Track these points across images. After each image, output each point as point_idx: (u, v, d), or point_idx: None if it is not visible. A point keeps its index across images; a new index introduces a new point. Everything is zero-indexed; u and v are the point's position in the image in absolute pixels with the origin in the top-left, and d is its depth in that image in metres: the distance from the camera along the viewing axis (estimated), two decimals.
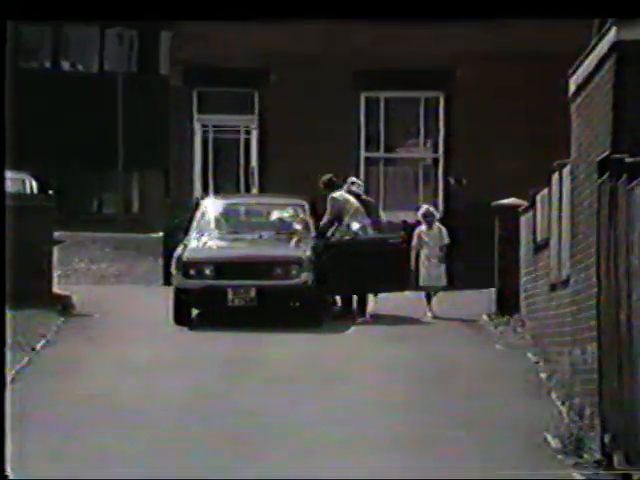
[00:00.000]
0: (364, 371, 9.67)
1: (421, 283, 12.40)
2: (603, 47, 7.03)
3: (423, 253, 12.43)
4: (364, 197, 12.97)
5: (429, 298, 12.46)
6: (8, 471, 4.29)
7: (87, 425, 7.72)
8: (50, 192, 14.72)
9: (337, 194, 12.70)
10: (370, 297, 12.43)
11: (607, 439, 6.41)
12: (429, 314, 12.37)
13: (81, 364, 9.87)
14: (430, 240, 12.46)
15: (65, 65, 23.60)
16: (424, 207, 13.07)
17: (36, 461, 5.35)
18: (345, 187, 12.92)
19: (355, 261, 12.06)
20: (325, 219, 12.57)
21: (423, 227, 12.56)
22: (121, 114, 22.46)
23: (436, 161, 16.15)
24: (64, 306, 12.58)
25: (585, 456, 6.70)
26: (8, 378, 8.22)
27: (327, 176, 13.00)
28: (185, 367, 9.76)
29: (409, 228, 13.06)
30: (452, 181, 15.85)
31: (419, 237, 12.52)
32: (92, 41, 23.05)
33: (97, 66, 23.37)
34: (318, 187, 12.91)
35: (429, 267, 12.36)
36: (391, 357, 10.25)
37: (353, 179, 13.30)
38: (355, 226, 12.44)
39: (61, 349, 10.58)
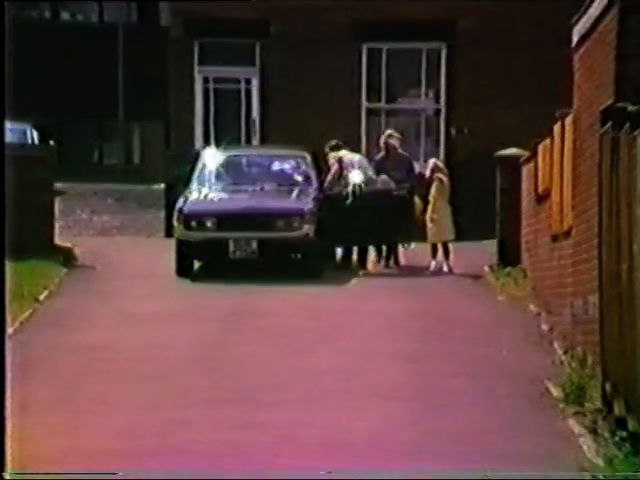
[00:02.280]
0: (365, 322, 9.71)
1: (429, 236, 12.35)
2: None
3: (431, 206, 12.38)
4: (400, 151, 12.87)
5: (435, 250, 12.44)
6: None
7: (90, 376, 7.78)
8: (51, 142, 14.66)
9: (339, 152, 12.66)
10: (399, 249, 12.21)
11: (608, 387, 6.45)
12: (433, 265, 12.36)
13: (83, 315, 9.92)
14: (438, 193, 12.41)
15: (65, 15, 23.37)
16: (432, 161, 13.02)
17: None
18: (383, 138, 12.85)
19: (356, 213, 12.06)
20: (329, 176, 12.56)
21: (437, 181, 12.46)
22: (121, 65, 22.28)
23: (438, 112, 16.07)
24: (66, 258, 12.60)
25: (586, 404, 6.75)
26: (10, 330, 8.27)
27: (333, 141, 12.98)
28: (187, 319, 9.81)
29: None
30: (454, 132, 15.78)
31: (427, 190, 12.48)
32: None
33: (97, 16, 23.14)
34: (324, 150, 12.88)
35: (437, 220, 12.32)
36: (392, 308, 10.28)
37: (390, 131, 13.17)
38: (357, 178, 12.41)
39: (64, 301, 10.62)
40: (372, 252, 12.58)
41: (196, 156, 13.47)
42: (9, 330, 7.85)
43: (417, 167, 13.00)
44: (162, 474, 5.59)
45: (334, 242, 12.45)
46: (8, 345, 4.72)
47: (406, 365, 8.15)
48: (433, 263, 12.39)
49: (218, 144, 14.96)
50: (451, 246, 12.46)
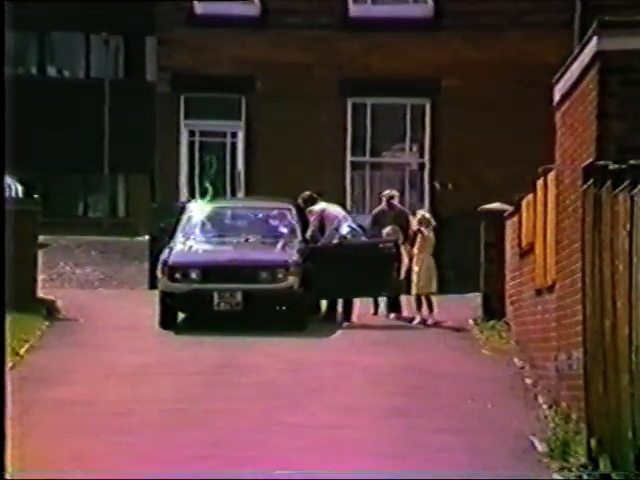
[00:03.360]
0: (349, 377, 9.68)
1: (412, 288, 12.41)
2: (586, 57, 7.09)
3: (416, 258, 12.44)
4: (399, 207, 13.11)
5: (419, 303, 12.48)
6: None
7: (71, 431, 7.69)
8: (35, 196, 14.67)
9: (316, 207, 12.74)
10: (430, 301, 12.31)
11: (593, 443, 6.44)
12: (418, 318, 12.39)
13: (65, 369, 9.83)
14: (421, 245, 12.48)
15: (51, 71, 23.56)
16: (420, 213, 13.14)
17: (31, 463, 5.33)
18: (385, 197, 13.11)
19: (341, 266, 12.10)
20: (309, 232, 12.62)
21: (423, 231, 12.55)
22: (108, 119, 22.44)
23: (422, 166, 16.22)
24: (49, 310, 12.54)
25: (571, 460, 6.74)
26: None
27: (307, 193, 13.06)
28: (170, 372, 9.74)
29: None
30: (437, 186, 15.92)
31: (413, 242, 12.54)
32: (78, 47, 23.02)
33: (83, 72, 23.34)
34: (298, 204, 12.99)
35: (421, 272, 12.37)
36: (376, 363, 10.26)
37: (390, 192, 13.36)
38: (344, 230, 12.48)
39: (45, 354, 10.53)
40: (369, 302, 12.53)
41: (181, 208, 13.52)
42: None
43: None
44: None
45: (319, 294, 12.47)
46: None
47: (390, 420, 8.11)
48: (417, 316, 12.42)
49: (203, 197, 15.04)
50: (434, 299, 12.50)
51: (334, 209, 12.87)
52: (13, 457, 6.39)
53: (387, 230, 12.61)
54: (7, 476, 4.36)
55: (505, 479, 5.36)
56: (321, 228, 12.64)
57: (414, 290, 12.44)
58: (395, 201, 13.21)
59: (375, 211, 13.32)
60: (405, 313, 12.66)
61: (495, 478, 5.35)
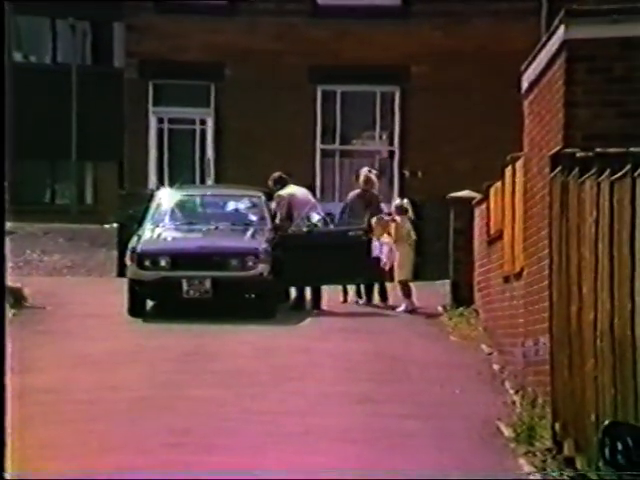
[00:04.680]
0: (319, 363, 9.70)
1: (396, 277, 12.35)
2: (553, 45, 7.15)
3: (393, 246, 12.42)
4: (373, 191, 12.77)
5: (404, 291, 12.36)
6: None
7: (39, 419, 7.66)
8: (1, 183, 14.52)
9: (283, 191, 12.66)
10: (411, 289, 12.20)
11: (557, 427, 6.53)
12: (403, 306, 12.30)
13: (32, 358, 9.77)
14: (398, 234, 12.49)
15: (17, 56, 23.33)
16: (398, 200, 13.12)
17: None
18: (362, 177, 12.70)
19: (310, 253, 12.09)
20: (277, 219, 12.56)
21: (397, 219, 12.51)
22: (75, 105, 22.25)
23: (392, 154, 16.27)
24: (15, 299, 12.43)
25: (536, 444, 6.82)
26: None
27: (276, 174, 12.97)
28: (139, 360, 9.72)
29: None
30: (407, 174, 15.96)
31: (390, 229, 12.50)
32: (44, 32, 22.81)
33: (50, 57, 23.14)
34: (268, 192, 12.91)
35: (402, 261, 12.36)
36: (345, 349, 10.29)
37: (368, 170, 12.97)
38: (314, 218, 12.46)
39: (11, 342, 10.43)
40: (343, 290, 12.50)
41: (150, 196, 13.46)
42: None
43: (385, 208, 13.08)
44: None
45: (288, 282, 12.46)
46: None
47: (359, 406, 8.15)
48: (403, 304, 12.34)
49: (172, 184, 14.97)
50: (412, 286, 12.51)
51: (303, 194, 12.81)
52: None
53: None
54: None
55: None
56: (289, 215, 12.61)
57: (397, 277, 12.44)
58: (374, 181, 12.82)
59: (351, 195, 12.97)
60: (375, 301, 12.69)
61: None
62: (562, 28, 6.92)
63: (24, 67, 23.11)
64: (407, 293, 12.43)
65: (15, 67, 22.66)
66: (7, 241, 15.60)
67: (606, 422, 3.06)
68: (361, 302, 12.68)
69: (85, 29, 22.83)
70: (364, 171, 13.15)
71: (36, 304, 12.41)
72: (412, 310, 12.30)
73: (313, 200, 12.90)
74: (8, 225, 16.26)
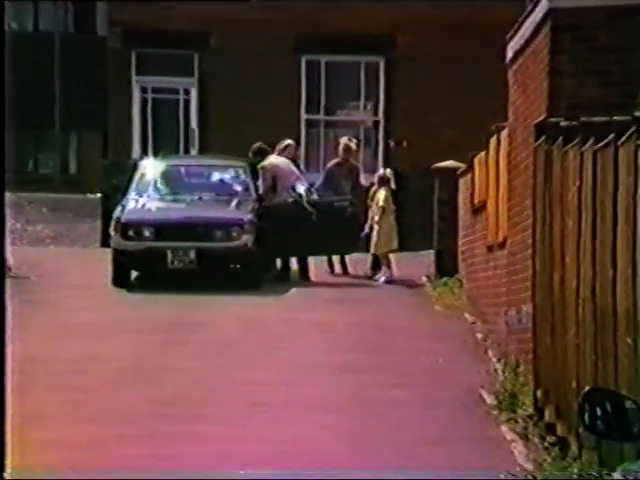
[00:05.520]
0: (304, 333, 9.74)
1: (372, 246, 12.40)
2: (538, 14, 7.13)
3: (375, 216, 12.43)
4: (352, 160, 12.60)
5: (380, 262, 12.45)
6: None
7: (25, 389, 7.66)
8: None
9: (266, 162, 12.61)
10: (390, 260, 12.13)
11: (539, 394, 6.59)
12: (383, 277, 12.36)
13: (17, 327, 9.74)
14: (383, 203, 12.49)
15: None
16: (381, 170, 13.10)
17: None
18: (341, 145, 12.67)
19: (295, 224, 12.08)
20: (261, 191, 12.53)
21: (379, 190, 12.52)
22: (58, 74, 22.07)
23: (376, 124, 16.23)
24: None
25: (519, 411, 6.88)
26: None
27: (256, 144, 12.89)
28: (124, 330, 9.72)
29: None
30: (392, 144, 15.95)
31: (372, 199, 12.51)
32: None
33: (32, 25, 22.90)
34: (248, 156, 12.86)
35: (380, 231, 12.39)
36: (330, 320, 10.33)
37: (347, 138, 12.95)
38: (300, 189, 12.44)
39: None
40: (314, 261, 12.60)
41: (135, 165, 13.40)
42: None
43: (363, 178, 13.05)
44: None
45: (274, 253, 12.47)
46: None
47: (344, 376, 8.20)
48: (382, 274, 12.33)
49: (156, 154, 14.90)
50: (392, 256, 12.56)
51: (286, 164, 12.77)
52: None
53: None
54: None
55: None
56: (274, 186, 12.57)
57: (373, 249, 12.48)
58: (353, 150, 12.72)
59: (330, 164, 12.89)
60: (357, 270, 12.71)
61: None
62: None
63: (5, 35, 22.70)
64: (387, 263, 12.45)
65: None
66: None
67: (586, 388, 3.10)
68: (334, 273, 12.61)
69: None
70: (344, 140, 13.10)
71: (20, 274, 12.38)
72: (391, 280, 12.33)
73: (297, 171, 12.87)
74: None
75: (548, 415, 6.33)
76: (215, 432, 6.65)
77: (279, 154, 12.73)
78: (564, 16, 6.75)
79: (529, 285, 6.99)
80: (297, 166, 12.85)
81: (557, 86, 6.81)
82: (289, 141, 13.08)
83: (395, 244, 12.47)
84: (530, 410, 6.72)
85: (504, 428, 6.68)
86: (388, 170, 13.08)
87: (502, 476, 5.54)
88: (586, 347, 5.61)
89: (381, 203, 12.41)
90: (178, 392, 7.65)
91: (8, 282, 11.37)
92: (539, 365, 6.59)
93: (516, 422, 6.66)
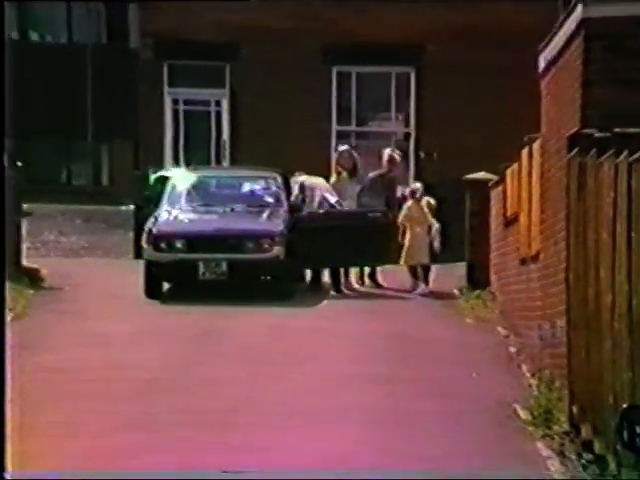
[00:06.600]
0: (335, 344, 9.72)
1: (404, 259, 12.34)
2: (571, 24, 7.08)
3: (409, 230, 12.40)
4: (392, 174, 12.58)
5: (414, 273, 12.42)
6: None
7: (57, 398, 7.71)
8: (18, 164, 14.58)
9: (299, 177, 12.61)
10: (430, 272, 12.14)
11: (575, 410, 6.51)
12: (419, 288, 12.30)
13: (50, 337, 9.83)
14: (416, 218, 12.42)
15: (33, 36, 23.37)
16: (413, 184, 13.04)
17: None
18: (386, 156, 12.61)
19: (328, 235, 12.06)
20: (292, 200, 12.52)
21: (410, 203, 12.49)
22: (90, 85, 22.25)
23: (407, 135, 16.19)
24: (33, 279, 12.50)
25: (554, 427, 6.80)
26: None
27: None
28: (156, 340, 9.76)
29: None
30: (423, 155, 15.89)
31: (405, 215, 12.45)
32: (60, 12, 22.82)
33: (66, 37, 23.16)
34: (289, 162, 12.87)
35: (413, 245, 12.33)
36: (361, 331, 10.30)
37: (391, 149, 12.92)
38: (332, 199, 12.43)
39: (30, 322, 10.53)
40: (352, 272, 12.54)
41: (156, 179, 13.46)
42: None
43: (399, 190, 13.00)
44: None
45: (305, 264, 12.46)
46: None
47: (375, 387, 8.16)
48: (418, 286, 12.31)
49: (188, 165, 14.96)
50: (429, 269, 12.46)
51: (317, 179, 12.81)
52: None
53: (332, 199, 12.19)
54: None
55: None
56: (305, 196, 12.58)
57: (402, 260, 12.42)
58: (397, 161, 12.70)
59: (372, 174, 12.72)
60: (389, 282, 12.67)
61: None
62: (580, 6, 6.84)
63: (40, 47, 23.10)
64: (419, 276, 12.38)
65: (31, 47, 22.69)
66: (24, 222, 15.61)
67: (624, 406, 3.04)
68: (364, 286, 12.53)
69: (100, 9, 22.84)
70: (388, 151, 13.05)
71: (53, 285, 12.47)
72: (423, 293, 12.25)
73: (328, 185, 12.85)
74: (25, 206, 16.24)
75: (585, 432, 6.24)
76: (246, 442, 6.64)
77: (337, 163, 12.52)
78: (598, 25, 6.69)
79: (563, 299, 6.91)
80: (355, 170, 12.52)
81: (591, 96, 6.75)
82: (344, 147, 12.92)
83: (425, 258, 12.41)
84: (566, 426, 6.64)
85: (539, 444, 6.61)
86: (418, 184, 13.05)
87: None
88: (622, 363, 5.53)
89: (419, 216, 12.36)
90: (208, 402, 7.66)
91: (42, 293, 11.44)
92: (574, 380, 6.51)
93: (552, 438, 6.58)
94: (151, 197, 13.14)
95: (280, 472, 5.73)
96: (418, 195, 12.59)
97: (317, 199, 12.47)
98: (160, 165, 15.61)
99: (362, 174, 12.79)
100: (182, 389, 8.03)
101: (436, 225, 12.52)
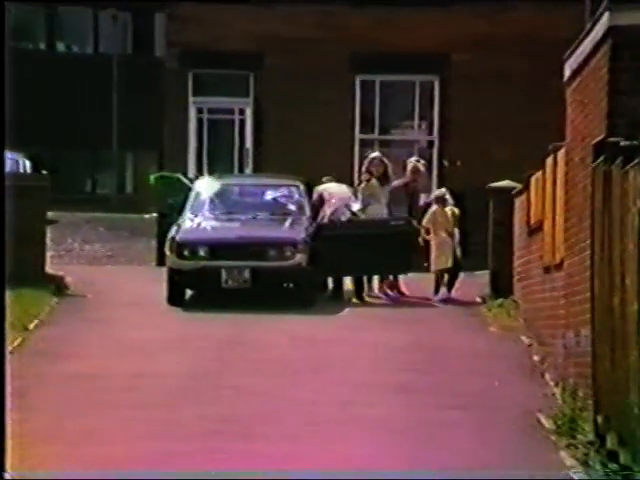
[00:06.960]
0: (357, 353, 9.70)
1: (434, 265, 12.29)
2: (598, 32, 7.05)
3: (433, 235, 12.36)
4: (416, 183, 12.55)
5: (438, 281, 12.40)
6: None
7: (81, 405, 7.74)
8: (44, 172, 14.69)
9: (320, 186, 12.59)
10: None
11: (600, 420, 6.46)
12: (440, 295, 12.25)
13: (74, 344, 9.88)
14: (440, 223, 12.38)
15: (60, 46, 23.58)
16: (438, 190, 12.99)
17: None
18: (410, 165, 12.54)
19: (349, 243, 12.04)
20: (315, 210, 12.53)
21: (435, 208, 12.44)
22: (116, 95, 22.42)
23: (431, 143, 16.18)
24: (57, 286, 12.58)
25: (578, 437, 6.75)
26: None
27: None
28: (179, 348, 9.78)
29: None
30: (446, 163, 15.87)
31: (430, 219, 12.41)
32: (86, 23, 23.02)
33: (92, 47, 23.35)
34: (312, 170, 12.88)
35: (437, 250, 12.29)
36: (384, 339, 10.27)
37: (416, 158, 12.87)
38: (354, 207, 12.42)
39: (54, 329, 10.59)
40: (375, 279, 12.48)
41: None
42: None
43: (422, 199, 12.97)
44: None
45: (327, 272, 12.45)
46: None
47: (398, 396, 8.14)
48: (440, 293, 12.27)
49: (211, 173, 15.01)
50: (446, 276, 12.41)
51: (337, 186, 12.78)
52: (23, 430, 6.45)
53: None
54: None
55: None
56: (328, 204, 12.56)
57: (433, 267, 12.34)
58: (421, 170, 12.62)
59: (396, 183, 12.60)
60: (413, 290, 12.62)
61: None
62: (607, 14, 6.82)
63: (66, 57, 23.32)
64: (450, 283, 12.33)
65: (58, 57, 22.90)
66: (49, 230, 15.64)
67: None
68: (391, 294, 12.51)
69: (126, 19, 23.00)
70: (412, 160, 13.00)
71: (78, 292, 12.54)
72: (446, 300, 12.21)
73: (350, 193, 12.83)
74: (50, 214, 16.28)
75: (610, 442, 6.18)
76: (269, 450, 6.63)
77: (366, 170, 12.50)
78: (625, 34, 6.66)
79: (587, 307, 6.86)
80: (386, 176, 12.49)
81: (617, 104, 6.71)
82: (375, 154, 12.88)
83: (450, 262, 12.36)
84: (590, 436, 6.58)
85: (563, 454, 6.55)
86: (444, 189, 13.01)
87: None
88: None
89: (443, 222, 12.31)
90: (232, 410, 7.66)
91: (66, 300, 11.49)
92: (599, 390, 6.46)
93: (576, 448, 6.53)
94: (174, 205, 13.19)
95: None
96: (445, 200, 12.53)
97: (331, 208, 12.45)
98: (184, 174, 15.67)
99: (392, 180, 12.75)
100: (206, 397, 8.03)
101: (457, 235, 12.48)
